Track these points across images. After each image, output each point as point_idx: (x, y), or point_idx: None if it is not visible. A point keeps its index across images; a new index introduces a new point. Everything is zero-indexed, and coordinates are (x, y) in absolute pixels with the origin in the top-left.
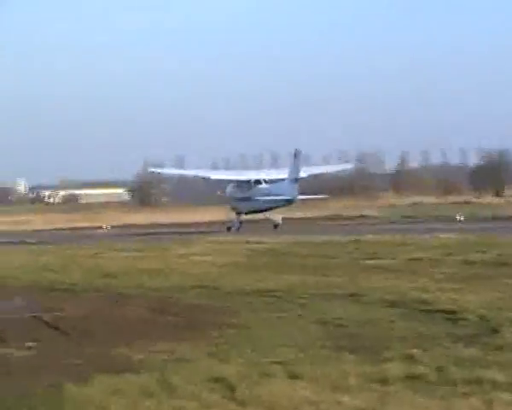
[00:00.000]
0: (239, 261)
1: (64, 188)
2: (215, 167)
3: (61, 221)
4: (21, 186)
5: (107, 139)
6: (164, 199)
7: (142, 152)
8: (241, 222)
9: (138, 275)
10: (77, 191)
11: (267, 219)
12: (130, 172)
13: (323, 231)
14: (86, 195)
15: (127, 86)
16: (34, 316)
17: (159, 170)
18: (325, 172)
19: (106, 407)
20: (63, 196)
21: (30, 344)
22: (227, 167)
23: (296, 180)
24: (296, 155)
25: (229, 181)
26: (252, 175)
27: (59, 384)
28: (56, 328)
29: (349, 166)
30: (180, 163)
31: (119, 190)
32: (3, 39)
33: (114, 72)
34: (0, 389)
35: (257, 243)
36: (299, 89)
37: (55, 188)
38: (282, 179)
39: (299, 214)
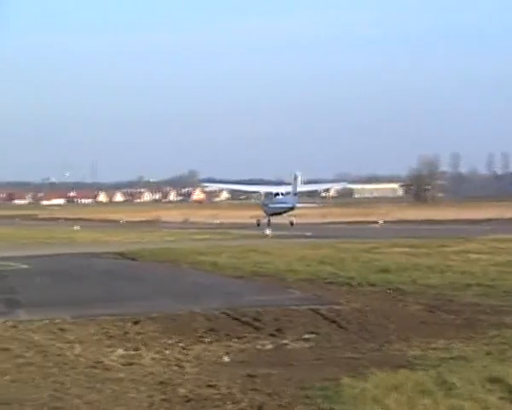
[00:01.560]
0: None
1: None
2: (490, 163)
3: (335, 215)
4: (298, 180)
5: (379, 134)
6: (440, 195)
7: (416, 147)
8: (269, 221)
9: (413, 271)
10: (351, 185)
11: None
12: (404, 168)
13: None
14: (360, 189)
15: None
16: (312, 309)
17: (206, 184)
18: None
19: (382, 402)
20: (338, 191)
21: (307, 336)
22: (504, 162)
23: (295, 194)
24: (295, 177)
25: (264, 192)
26: (274, 189)
27: (335, 378)
28: (333, 321)
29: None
30: (455, 160)
31: (394, 185)
32: None
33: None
34: (279, 380)
35: None
36: None
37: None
38: (289, 193)
39: None
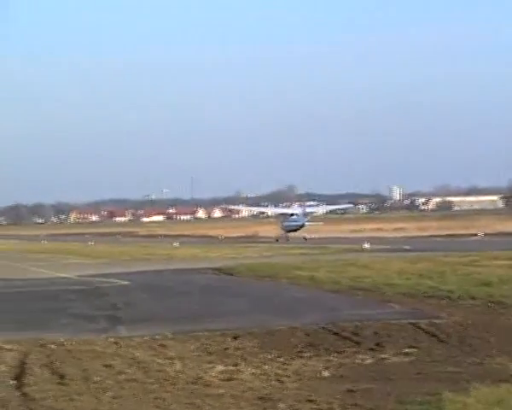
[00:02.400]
0: None
1: (438, 195)
2: None
3: (434, 228)
4: (396, 193)
5: (480, 145)
6: None
7: None
8: (287, 237)
9: None
10: (450, 198)
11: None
12: (504, 179)
13: None
14: (460, 201)
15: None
16: (411, 323)
17: (231, 207)
18: (324, 211)
19: None
20: (436, 203)
21: (407, 350)
22: None
23: (304, 214)
24: (301, 203)
25: (281, 213)
26: (289, 210)
27: (436, 392)
28: (433, 335)
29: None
30: None
31: (493, 198)
32: None
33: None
34: (379, 395)
35: None
36: None
37: (430, 195)
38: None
39: None
